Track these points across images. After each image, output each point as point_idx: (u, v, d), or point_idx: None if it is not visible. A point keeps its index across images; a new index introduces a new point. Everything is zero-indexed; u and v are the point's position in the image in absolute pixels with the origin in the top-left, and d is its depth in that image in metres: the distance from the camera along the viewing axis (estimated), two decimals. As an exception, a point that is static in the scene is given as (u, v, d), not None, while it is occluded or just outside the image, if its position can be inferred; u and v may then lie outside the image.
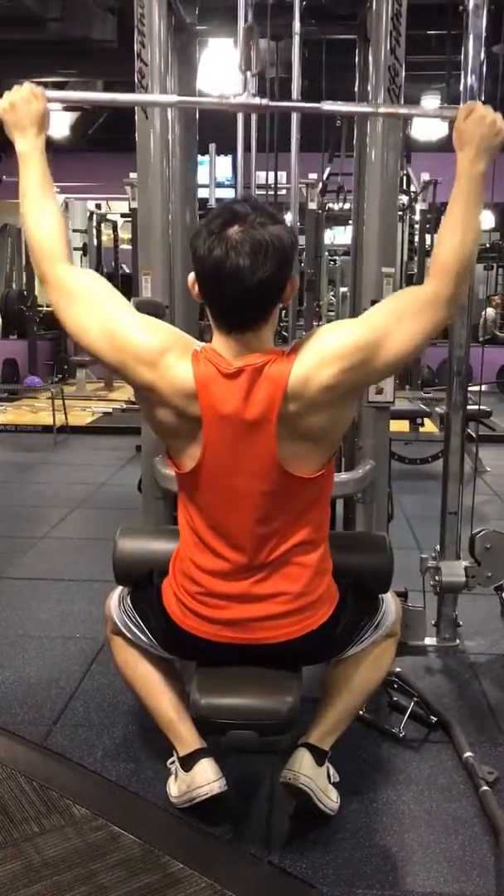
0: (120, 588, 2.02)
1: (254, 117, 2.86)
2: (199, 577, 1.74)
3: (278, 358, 1.60)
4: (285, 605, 1.72)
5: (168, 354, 1.61)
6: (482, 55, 2.44)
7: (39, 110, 1.75)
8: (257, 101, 1.81)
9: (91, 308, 1.67)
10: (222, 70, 5.20)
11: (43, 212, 1.74)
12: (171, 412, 1.64)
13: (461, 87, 2.50)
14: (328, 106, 1.87)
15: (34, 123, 1.75)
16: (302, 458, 1.65)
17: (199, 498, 1.71)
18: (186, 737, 1.87)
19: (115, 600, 2.00)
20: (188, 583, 1.76)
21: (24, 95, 1.74)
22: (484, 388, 6.75)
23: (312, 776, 1.82)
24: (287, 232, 1.58)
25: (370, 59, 2.37)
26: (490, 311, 11.49)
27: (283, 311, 3.47)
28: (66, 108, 8.98)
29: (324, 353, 1.59)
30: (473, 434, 4.83)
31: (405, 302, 1.67)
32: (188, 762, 1.85)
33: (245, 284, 1.53)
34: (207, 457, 1.65)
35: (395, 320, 1.61)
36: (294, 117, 2.79)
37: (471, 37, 2.40)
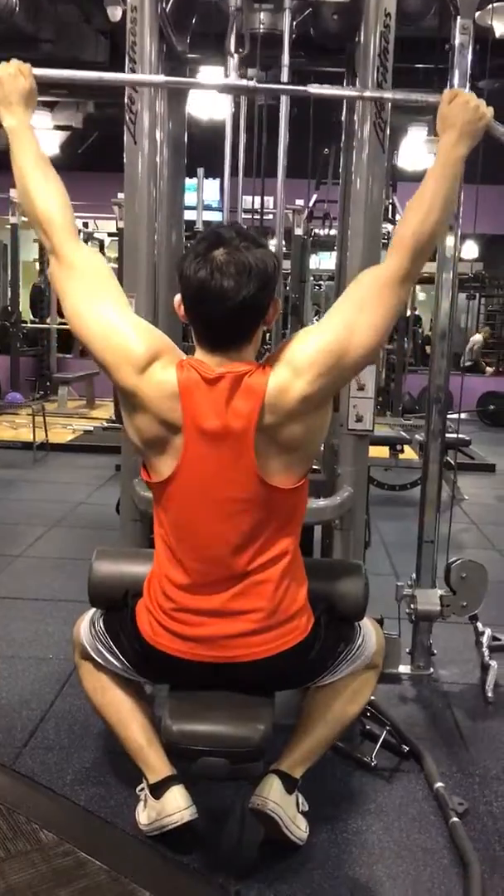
0: (90, 612, 2.00)
1: (241, 141, 2.90)
2: (172, 592, 1.74)
3: (256, 369, 1.63)
4: (259, 623, 1.71)
5: (156, 362, 1.63)
6: (467, 91, 2.49)
7: (26, 86, 1.78)
8: (244, 82, 1.87)
9: (92, 296, 1.68)
10: (211, 96, 5.28)
11: (47, 183, 1.74)
12: (151, 417, 1.65)
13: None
14: (314, 89, 1.93)
15: (21, 99, 1.77)
16: (281, 468, 1.66)
17: (175, 509, 1.71)
18: (156, 764, 1.85)
19: (86, 624, 1.97)
20: (162, 599, 1.75)
21: (11, 72, 1.77)
22: (463, 416, 6.81)
23: (281, 803, 1.80)
24: (270, 256, 1.63)
25: (357, 92, 2.40)
26: (478, 337, 11.88)
27: (268, 335, 3.50)
28: (57, 128, 9.03)
29: (296, 363, 1.62)
30: (452, 462, 4.87)
31: (365, 287, 1.69)
32: (158, 789, 1.82)
33: (229, 304, 1.57)
34: (185, 465, 1.65)
35: (358, 309, 1.65)
36: (281, 145, 2.83)
37: (456, 73, 2.45)
